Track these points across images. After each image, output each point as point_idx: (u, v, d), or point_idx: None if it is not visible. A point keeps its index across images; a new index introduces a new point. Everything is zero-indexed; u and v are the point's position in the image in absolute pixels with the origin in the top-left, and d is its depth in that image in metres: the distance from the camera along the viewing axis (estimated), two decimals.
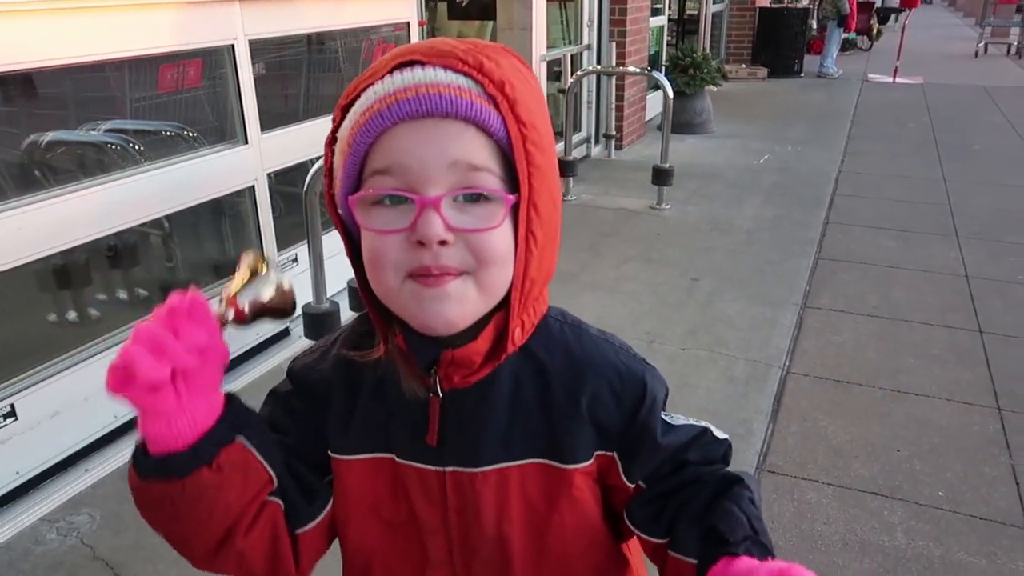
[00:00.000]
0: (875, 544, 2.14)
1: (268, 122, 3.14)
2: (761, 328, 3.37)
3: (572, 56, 5.74)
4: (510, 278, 0.69)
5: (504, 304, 0.71)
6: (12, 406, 2.25)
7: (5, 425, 2.23)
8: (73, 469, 2.40)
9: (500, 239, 0.67)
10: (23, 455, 2.28)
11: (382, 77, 0.67)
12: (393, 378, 0.76)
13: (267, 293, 0.71)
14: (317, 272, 2.87)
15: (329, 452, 0.81)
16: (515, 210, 0.68)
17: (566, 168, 5.24)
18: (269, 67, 3.61)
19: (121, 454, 2.48)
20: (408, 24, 4.01)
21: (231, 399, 0.73)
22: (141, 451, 0.69)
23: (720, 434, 0.84)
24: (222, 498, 0.71)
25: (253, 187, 3.10)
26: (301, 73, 3.86)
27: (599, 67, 6.01)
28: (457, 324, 0.69)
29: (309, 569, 0.83)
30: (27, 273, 2.51)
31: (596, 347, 0.80)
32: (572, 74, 5.49)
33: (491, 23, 5.95)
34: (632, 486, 0.81)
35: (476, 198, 0.66)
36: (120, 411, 2.51)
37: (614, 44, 6.11)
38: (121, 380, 0.63)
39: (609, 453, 0.79)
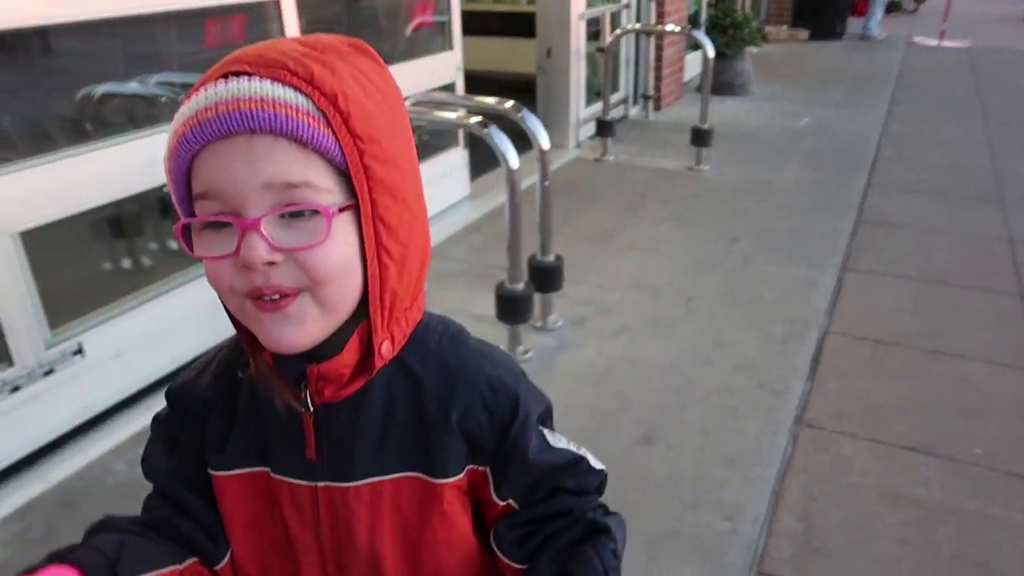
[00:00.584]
0: (910, 497, 2.18)
1: None
2: (800, 289, 3.37)
3: (612, 15, 5.68)
4: (358, 290, 0.68)
5: (368, 314, 0.69)
6: (80, 344, 2.36)
7: (73, 362, 2.35)
8: (137, 406, 2.51)
9: (330, 254, 0.64)
10: (90, 391, 2.40)
11: (200, 88, 0.64)
12: (267, 393, 0.75)
13: None
14: None
15: (208, 469, 0.80)
16: (361, 220, 0.66)
17: (603, 128, 5.23)
18: (310, 24, 3.65)
19: None
20: None
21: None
22: None
23: (597, 464, 0.83)
24: None
25: None
26: (342, 30, 3.89)
27: (638, 26, 5.94)
28: (301, 345, 0.67)
29: None
30: (84, 223, 2.60)
31: (473, 359, 0.78)
32: (611, 33, 5.45)
33: None
34: (502, 503, 0.80)
35: (301, 214, 0.63)
36: (177, 355, 2.62)
37: (653, 3, 6.03)
38: None
39: (481, 468, 0.79)
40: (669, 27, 6.01)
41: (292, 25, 3.01)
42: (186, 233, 0.67)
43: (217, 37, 3.27)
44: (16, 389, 2.22)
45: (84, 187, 2.35)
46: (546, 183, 2.81)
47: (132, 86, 3.20)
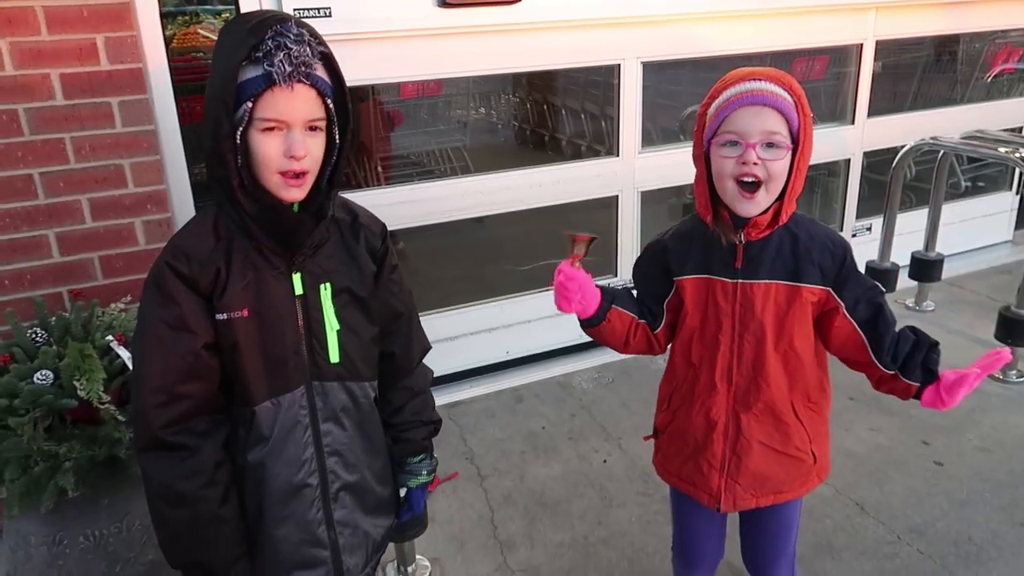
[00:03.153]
0: None
1: (875, 110, 3.75)
2: None
3: None
4: (782, 187, 1.34)
5: (778, 200, 1.36)
6: None
7: None
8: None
9: (782, 166, 1.32)
10: None
11: (736, 84, 1.32)
12: (714, 235, 1.42)
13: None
14: (886, 239, 3.46)
15: (674, 279, 1.48)
16: (792, 154, 1.32)
17: None
18: (884, 67, 4.17)
19: None
20: None
21: (605, 291, 1.48)
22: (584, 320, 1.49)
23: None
24: (615, 328, 1.50)
25: (849, 161, 3.77)
26: (915, 73, 4.31)
27: None
28: (756, 213, 1.36)
29: (666, 345, 1.57)
30: (666, 203, 3.64)
31: (823, 228, 1.44)
32: None
33: None
34: (845, 314, 1.41)
35: (772, 145, 1.30)
36: None
37: None
38: (561, 307, 1.45)
39: (826, 288, 1.41)
40: None
41: (867, 66, 3.62)
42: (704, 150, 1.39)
43: (801, 75, 4.07)
44: None
45: (680, 170, 3.37)
46: None
47: None
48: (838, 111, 3.79)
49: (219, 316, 1.21)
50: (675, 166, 3.33)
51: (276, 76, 1.12)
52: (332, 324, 1.29)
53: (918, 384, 1.40)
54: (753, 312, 1.42)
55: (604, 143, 3.36)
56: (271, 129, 1.16)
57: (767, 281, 1.41)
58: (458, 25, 2.73)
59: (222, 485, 1.25)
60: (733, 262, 1.41)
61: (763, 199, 1.34)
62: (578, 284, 1.42)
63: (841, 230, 3.88)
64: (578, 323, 1.51)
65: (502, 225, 3.22)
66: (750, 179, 1.32)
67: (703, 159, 1.38)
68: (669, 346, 1.58)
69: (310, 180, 1.22)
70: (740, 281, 1.42)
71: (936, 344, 1.42)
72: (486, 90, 5.50)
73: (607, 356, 3.32)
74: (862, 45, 3.59)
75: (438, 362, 3.11)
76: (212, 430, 1.24)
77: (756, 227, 1.38)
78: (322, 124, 1.20)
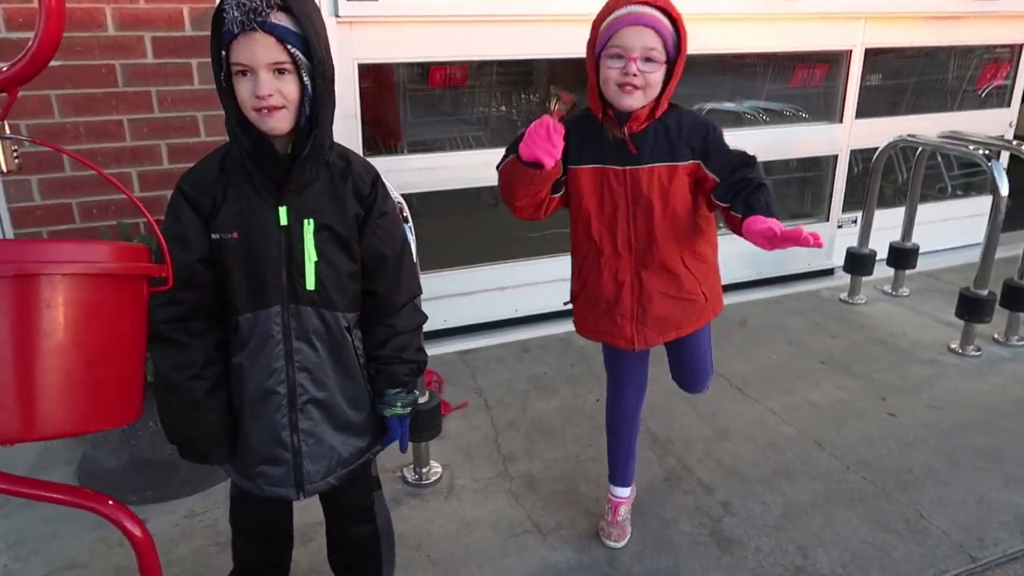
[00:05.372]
0: None
1: (865, 115, 4.11)
2: None
3: None
4: (659, 90, 1.72)
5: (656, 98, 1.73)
6: None
7: None
8: None
9: (658, 77, 1.69)
10: None
11: (623, 6, 1.65)
12: (605, 132, 1.77)
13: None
14: (865, 226, 3.81)
15: (569, 166, 1.80)
16: (672, 65, 1.70)
17: None
18: (871, 72, 4.50)
19: None
20: (1021, 47, 4.45)
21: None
22: (520, 158, 1.62)
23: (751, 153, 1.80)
24: (546, 184, 1.71)
25: (836, 157, 4.12)
26: (908, 86, 4.65)
27: None
28: (632, 108, 1.71)
29: (547, 215, 1.83)
30: None
31: (689, 114, 1.81)
32: None
33: None
34: (712, 176, 1.77)
35: (649, 59, 1.65)
36: None
37: None
38: (534, 156, 1.59)
39: (696, 161, 1.79)
40: None
41: (856, 71, 3.98)
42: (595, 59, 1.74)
43: (800, 81, 4.42)
44: None
45: None
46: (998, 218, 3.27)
47: (729, 105, 4.58)
48: (829, 112, 4.14)
49: (213, 236, 1.42)
50: None
51: (229, 24, 1.29)
52: (311, 255, 1.44)
53: (739, 216, 1.72)
54: (642, 191, 1.79)
55: None
56: (243, 73, 1.32)
57: (650, 165, 1.78)
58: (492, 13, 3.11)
59: (208, 380, 1.47)
60: (625, 152, 1.77)
61: (639, 98, 1.71)
62: (560, 137, 1.59)
63: (827, 220, 4.23)
64: (520, 164, 1.64)
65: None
66: (629, 87, 1.68)
67: (594, 66, 1.73)
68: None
69: (286, 115, 1.36)
70: (629, 168, 1.79)
71: (764, 186, 1.74)
72: (507, 89, 5.88)
73: None
74: (851, 52, 3.94)
75: (454, 313, 3.54)
76: (206, 332, 1.46)
77: (636, 120, 1.74)
78: (288, 67, 1.33)
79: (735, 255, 3.97)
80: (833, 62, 4.14)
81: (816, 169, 4.33)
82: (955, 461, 2.59)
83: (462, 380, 3.14)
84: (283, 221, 1.43)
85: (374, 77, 3.39)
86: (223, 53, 1.32)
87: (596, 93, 1.75)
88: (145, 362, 1.09)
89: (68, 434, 0.92)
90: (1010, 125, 4.62)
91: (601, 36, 1.70)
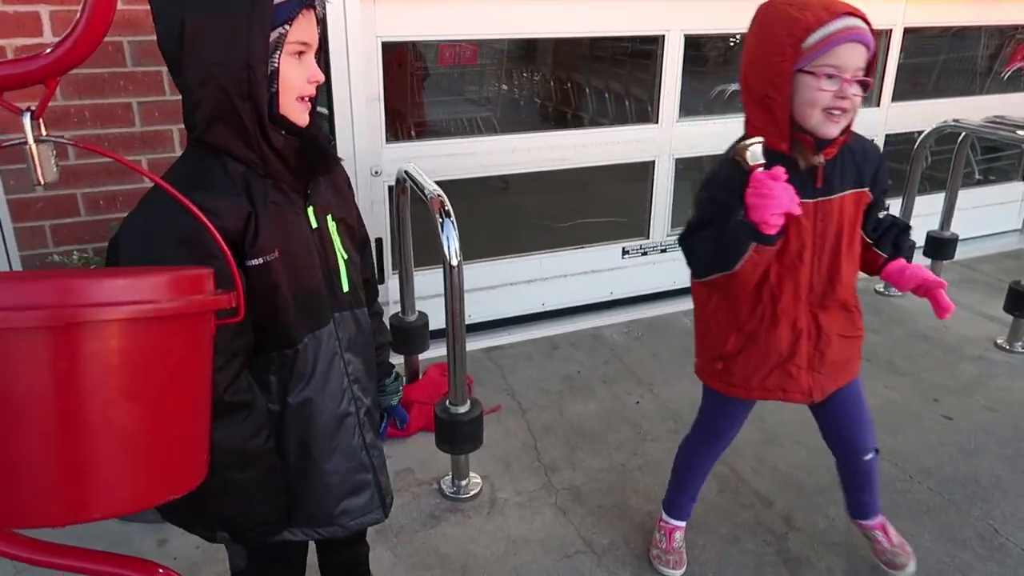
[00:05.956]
0: None
1: (897, 95, 3.93)
2: None
3: None
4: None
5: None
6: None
7: (677, 250, 3.60)
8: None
9: (860, 100, 1.48)
10: (680, 273, 3.60)
11: (835, 18, 1.40)
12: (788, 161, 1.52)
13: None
14: (905, 215, 3.62)
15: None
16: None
17: None
18: (908, 53, 4.33)
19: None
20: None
21: None
22: (764, 236, 1.44)
23: None
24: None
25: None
26: (938, 60, 4.48)
27: None
28: (834, 135, 1.50)
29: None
30: (690, 178, 3.83)
31: (861, 136, 1.62)
32: None
33: None
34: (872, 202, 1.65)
35: (859, 82, 1.44)
36: None
37: None
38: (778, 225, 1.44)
39: (867, 187, 1.63)
40: None
41: (895, 52, 3.80)
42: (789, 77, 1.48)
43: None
44: (645, 253, 3.56)
45: (714, 141, 3.54)
46: None
47: None
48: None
49: (252, 263, 1.16)
50: (711, 136, 3.50)
51: None
52: (342, 255, 1.32)
53: (885, 255, 1.66)
54: (831, 225, 1.59)
55: (627, 124, 3.54)
56: (299, 54, 1.16)
57: (841, 194, 1.58)
58: None
59: (272, 437, 1.26)
60: (813, 182, 1.55)
61: (843, 123, 1.51)
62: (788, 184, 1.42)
63: None
64: (752, 238, 1.45)
65: (525, 192, 3.42)
66: (838, 111, 1.46)
67: (785, 87, 1.45)
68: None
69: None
70: (819, 199, 1.57)
71: (909, 228, 1.67)
72: (514, 67, 5.67)
73: (635, 312, 3.51)
74: (891, 31, 3.75)
75: (478, 308, 3.35)
76: (252, 381, 1.23)
77: (835, 145, 1.53)
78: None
79: None
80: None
81: None
82: (1022, 470, 2.45)
83: (492, 380, 2.96)
84: (314, 224, 1.27)
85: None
86: (285, 28, 1.13)
87: (786, 117, 1.48)
88: (211, 410, 0.88)
89: (132, 510, 0.73)
90: None
91: (810, 52, 1.42)
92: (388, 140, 2.94)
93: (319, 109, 2.76)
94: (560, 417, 2.72)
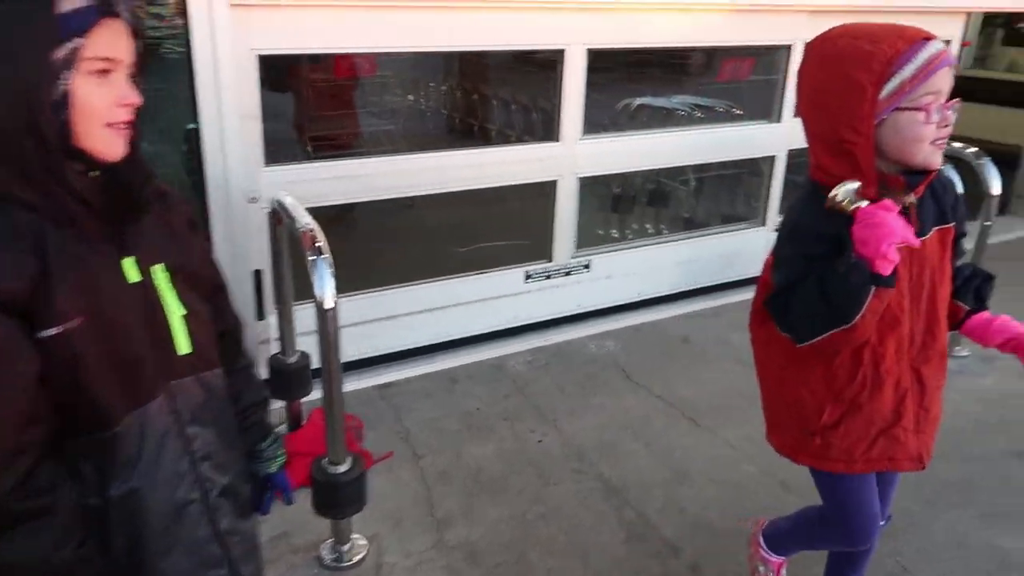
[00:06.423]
0: None
1: None
2: None
3: None
4: None
5: None
6: (589, 262, 3.48)
7: (582, 272, 3.47)
8: (608, 316, 3.57)
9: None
10: (586, 296, 3.51)
11: (923, 45, 1.25)
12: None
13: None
14: None
15: None
16: None
17: None
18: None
19: (635, 316, 3.57)
20: (949, 43, 4.37)
21: None
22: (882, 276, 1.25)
23: None
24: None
25: (774, 157, 3.91)
26: None
27: None
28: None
29: None
30: (597, 194, 3.71)
31: (949, 178, 1.48)
32: None
33: None
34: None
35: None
36: (643, 290, 3.61)
37: None
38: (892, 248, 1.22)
39: (951, 224, 1.47)
40: None
41: (794, 66, 3.77)
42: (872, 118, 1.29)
43: (729, 75, 4.20)
44: (549, 277, 3.41)
45: (620, 158, 3.44)
46: (987, 223, 3.13)
47: (659, 101, 4.32)
48: (774, 111, 3.92)
49: (45, 333, 0.95)
50: (615, 154, 3.39)
51: (81, 2, 0.93)
52: (175, 309, 1.09)
53: (966, 307, 1.51)
54: (926, 268, 1.43)
55: (535, 135, 3.39)
56: (105, 72, 0.96)
57: (930, 233, 1.42)
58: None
59: (92, 536, 1.04)
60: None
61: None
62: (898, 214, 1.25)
63: (764, 225, 4.03)
64: (869, 280, 1.27)
65: (432, 209, 3.21)
66: (943, 140, 1.31)
67: (868, 129, 1.28)
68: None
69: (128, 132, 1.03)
70: None
71: (992, 277, 1.52)
72: (419, 77, 5.45)
73: (540, 339, 3.35)
74: (791, 46, 3.73)
75: (370, 341, 3.12)
76: (56, 476, 1.01)
77: (924, 182, 1.35)
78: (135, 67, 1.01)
79: (669, 263, 3.73)
80: (760, 56, 3.93)
81: (743, 167, 4.12)
82: (930, 500, 2.39)
83: (384, 422, 2.73)
84: (133, 277, 1.05)
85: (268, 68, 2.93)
86: (77, 41, 0.93)
87: (871, 160, 1.31)
88: None
89: None
90: None
91: (908, 86, 1.27)
92: (268, 162, 2.68)
93: (191, 126, 2.50)
94: (457, 461, 2.53)
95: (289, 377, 2.44)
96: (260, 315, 2.75)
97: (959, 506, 2.36)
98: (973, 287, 1.52)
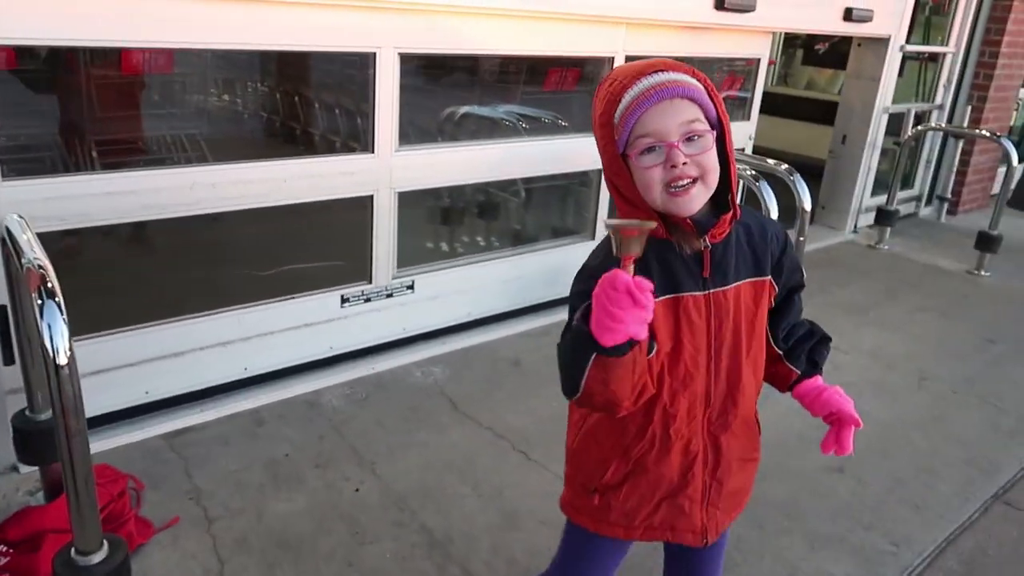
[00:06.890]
0: None
1: None
2: None
3: (918, 113, 5.77)
4: (717, 181, 1.18)
5: (717, 199, 1.20)
6: (413, 282, 3.22)
7: (405, 294, 3.21)
8: (438, 339, 3.33)
9: (712, 156, 1.16)
10: (411, 317, 3.25)
11: (635, 81, 1.13)
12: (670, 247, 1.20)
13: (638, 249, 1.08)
14: None
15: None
16: (720, 140, 1.17)
17: (883, 217, 5.36)
18: None
19: (464, 338, 3.36)
20: (759, 61, 4.53)
21: None
22: (614, 347, 1.02)
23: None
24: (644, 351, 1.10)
25: (601, 171, 3.85)
26: None
27: (942, 125, 5.94)
28: (694, 211, 1.17)
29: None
30: (424, 205, 3.49)
31: (759, 214, 1.35)
32: (912, 129, 5.56)
33: (842, 72, 6.20)
34: (776, 291, 1.33)
35: (694, 137, 1.14)
36: (472, 310, 3.41)
37: (970, 107, 5.99)
38: (628, 335, 1.00)
39: (770, 276, 1.31)
40: (975, 131, 5.90)
41: None
42: (623, 161, 1.18)
43: (554, 85, 4.11)
44: (368, 300, 3.12)
45: (440, 171, 3.21)
46: (801, 238, 3.21)
47: (483, 110, 4.15)
48: (590, 123, 3.86)
49: None
50: (435, 166, 3.16)
51: None
52: None
53: (799, 372, 1.39)
54: (727, 321, 1.27)
55: (360, 140, 3.11)
56: None
57: (736, 284, 1.27)
58: None
59: None
60: (700, 271, 1.23)
61: (700, 193, 1.18)
62: (649, 292, 1.01)
63: (593, 239, 3.96)
64: (609, 357, 1.05)
65: (239, 224, 2.83)
66: (685, 181, 1.15)
67: (623, 172, 1.18)
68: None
69: None
70: (712, 291, 1.25)
71: (828, 339, 1.41)
72: (230, 75, 4.97)
73: (360, 368, 3.06)
74: (613, 58, 3.67)
75: (160, 382, 2.70)
76: None
77: (721, 226, 1.21)
78: None
79: (499, 280, 3.56)
80: (585, 67, 3.87)
81: (574, 178, 4.04)
82: (759, 524, 2.35)
83: (172, 479, 2.34)
84: None
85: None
86: None
87: (642, 204, 1.18)
88: None
89: None
90: (749, 138, 4.71)
91: (619, 130, 1.16)
92: (6, 176, 2.21)
93: None
94: (258, 524, 2.19)
95: (39, 439, 2.01)
96: (8, 359, 2.27)
97: (788, 531, 2.33)
98: (806, 349, 1.40)
